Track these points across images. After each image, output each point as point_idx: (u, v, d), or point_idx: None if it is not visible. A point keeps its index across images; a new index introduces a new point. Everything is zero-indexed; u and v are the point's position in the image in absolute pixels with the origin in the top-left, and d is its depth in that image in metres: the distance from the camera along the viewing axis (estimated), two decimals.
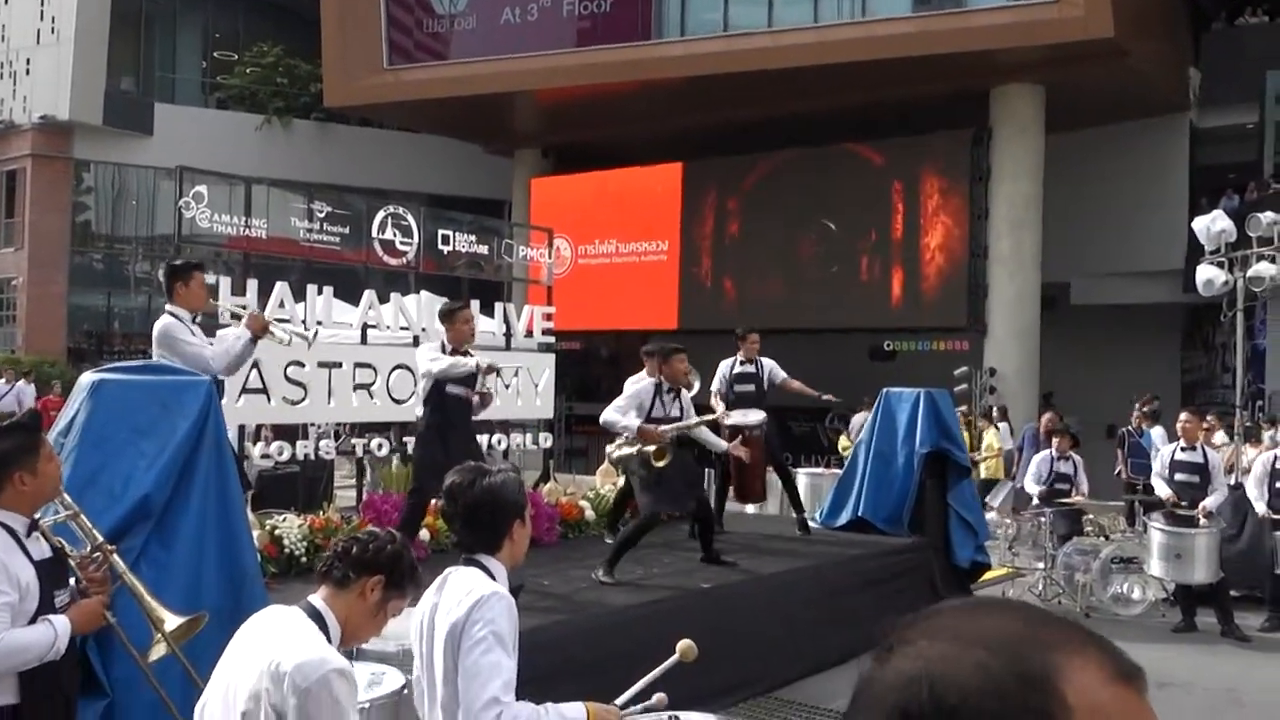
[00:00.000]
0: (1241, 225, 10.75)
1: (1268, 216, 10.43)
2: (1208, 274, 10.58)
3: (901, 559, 8.87)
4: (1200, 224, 10.79)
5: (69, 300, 31.90)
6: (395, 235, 9.58)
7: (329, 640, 2.61)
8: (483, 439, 8.72)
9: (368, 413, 8.88)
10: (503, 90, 22.62)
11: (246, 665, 2.51)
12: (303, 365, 8.16)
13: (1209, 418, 11.29)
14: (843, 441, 15.12)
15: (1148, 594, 9.22)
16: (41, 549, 3.18)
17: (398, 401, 8.79)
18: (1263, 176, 20.40)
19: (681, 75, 20.67)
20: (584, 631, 5.75)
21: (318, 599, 2.67)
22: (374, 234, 9.42)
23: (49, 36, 31.01)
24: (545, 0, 22.44)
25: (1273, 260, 10.31)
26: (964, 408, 15.81)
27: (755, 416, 8.56)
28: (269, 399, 8.00)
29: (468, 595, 2.59)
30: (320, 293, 8.57)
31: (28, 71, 31.38)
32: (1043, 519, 9.95)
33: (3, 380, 17.60)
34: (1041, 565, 9.91)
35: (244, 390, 7.77)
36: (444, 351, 6.78)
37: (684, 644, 2.85)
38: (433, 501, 8.08)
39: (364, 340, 8.91)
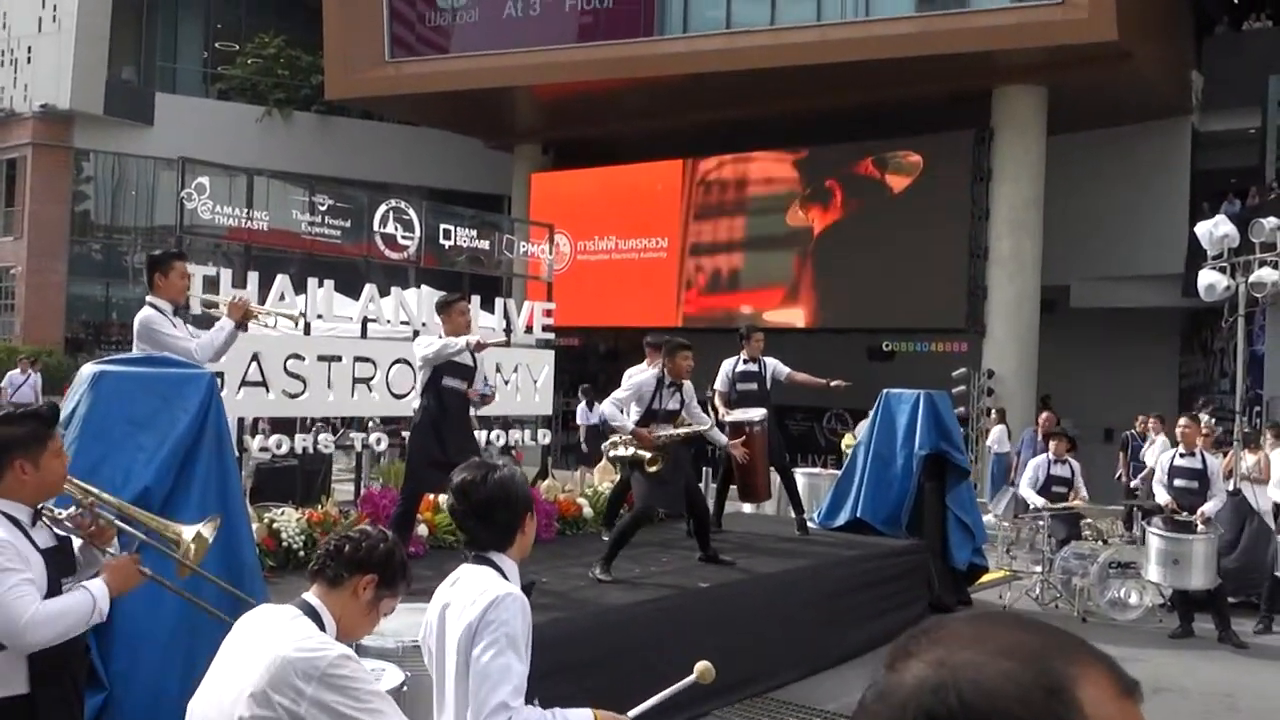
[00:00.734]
0: (1243, 230, 10.75)
1: (1270, 222, 10.42)
2: (1210, 279, 10.57)
3: (899, 560, 8.87)
4: (1203, 229, 10.78)
5: (68, 290, 31.85)
6: (397, 229, 9.56)
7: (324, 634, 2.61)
8: (481, 435, 8.71)
9: (367, 407, 8.86)
10: (504, 85, 22.60)
11: (245, 665, 2.50)
12: (302, 359, 8.14)
13: (1203, 418, 11.27)
14: (847, 440, 15.02)
15: (1145, 599, 9.22)
16: (46, 538, 3.16)
17: (397, 396, 8.77)
18: (1265, 182, 20.39)
19: (683, 72, 20.65)
20: (582, 630, 5.74)
21: (312, 597, 2.68)
22: (376, 228, 9.41)
23: (50, 25, 30.94)
24: None
25: (1275, 266, 10.30)
26: (961, 409, 15.78)
27: (757, 413, 8.55)
28: (268, 392, 7.98)
29: (481, 595, 2.57)
30: (321, 285, 8.55)
31: (29, 60, 31.31)
32: (1040, 523, 9.94)
33: (19, 371, 17.58)
34: (1039, 569, 9.91)
35: (244, 383, 7.76)
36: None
37: (702, 665, 2.83)
38: (430, 496, 8.08)
39: (364, 334, 8.89)
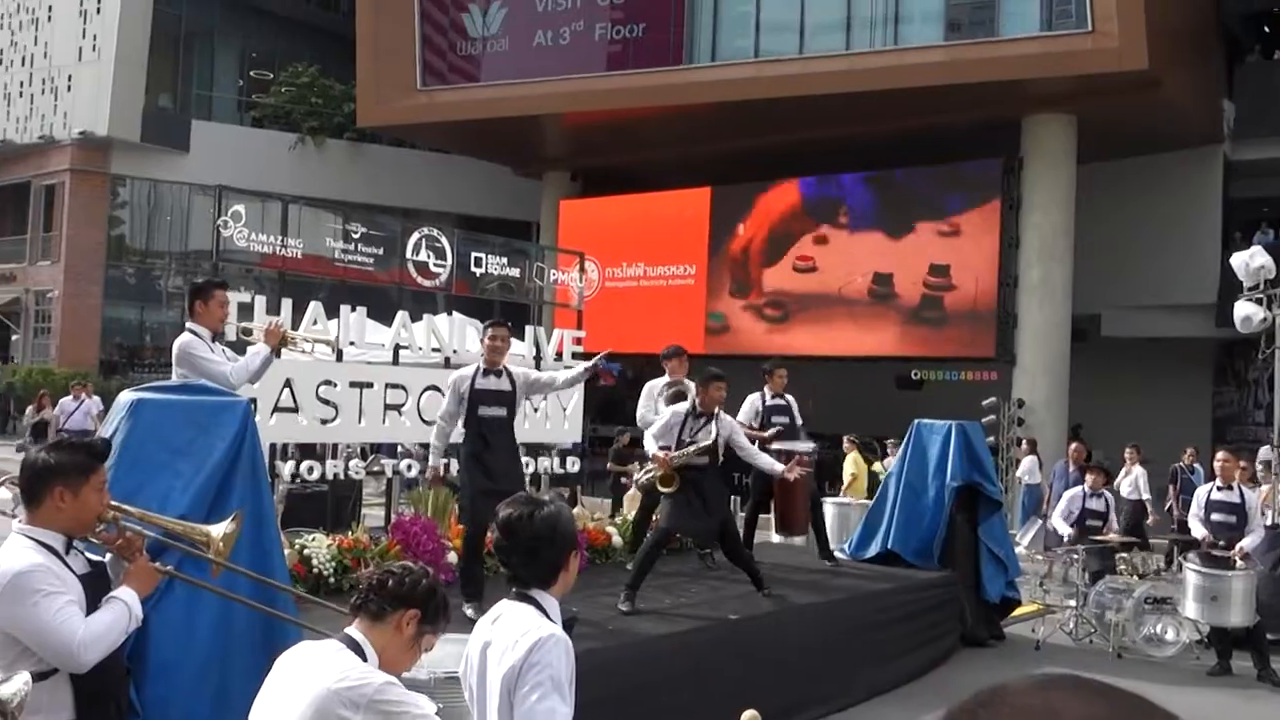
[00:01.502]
0: (1278, 260, 10.64)
1: None
2: (1246, 310, 10.46)
3: (931, 593, 8.77)
4: (1239, 260, 10.67)
5: (103, 313, 32.24)
6: (429, 257, 9.62)
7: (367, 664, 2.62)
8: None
9: (398, 433, 8.88)
10: (533, 113, 22.77)
11: (291, 701, 2.50)
12: (335, 385, 8.18)
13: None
14: (848, 465, 14.48)
15: (1182, 636, 9.07)
16: (81, 564, 3.19)
17: (428, 422, 8.78)
18: None
19: (712, 100, 20.74)
20: (613, 662, 5.71)
21: (355, 631, 2.68)
22: (408, 255, 9.46)
23: (90, 54, 31.48)
24: (578, 24, 22.60)
25: None
26: (991, 439, 15.62)
27: (806, 445, 8.55)
28: (301, 417, 8.01)
29: (524, 635, 2.56)
30: (354, 311, 8.60)
31: (69, 88, 31.85)
32: (1074, 556, 9.82)
33: (71, 397, 17.42)
34: (1073, 603, 9.77)
35: (276, 409, 7.79)
36: (479, 370, 6.72)
37: (749, 715, 2.80)
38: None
39: (395, 361, 8.92)
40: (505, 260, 10.64)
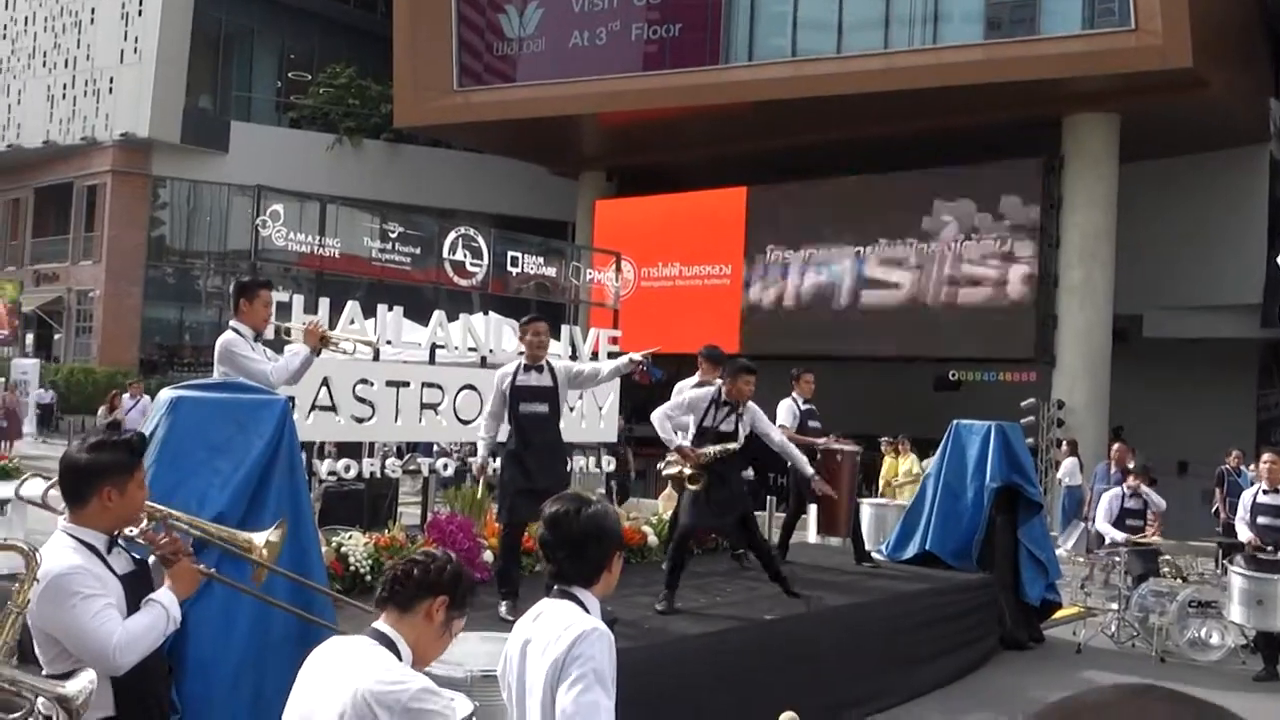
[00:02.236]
0: None
1: None
2: None
3: (970, 595, 8.67)
4: None
5: (143, 313, 32.65)
6: (466, 256, 9.64)
7: (402, 663, 2.60)
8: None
9: (434, 433, 8.91)
10: (569, 113, 22.81)
11: (325, 701, 2.48)
12: (371, 384, 8.22)
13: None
14: (887, 467, 14.68)
15: (1227, 640, 8.91)
16: (123, 563, 3.20)
17: (464, 422, 8.80)
18: None
19: (748, 100, 20.68)
20: (649, 662, 5.68)
21: (384, 625, 2.66)
22: (445, 254, 9.49)
23: (131, 56, 31.90)
24: (614, 24, 22.60)
25: None
26: (1030, 440, 15.46)
27: (852, 444, 8.50)
28: (338, 416, 8.05)
29: (566, 630, 2.54)
30: (391, 310, 8.63)
31: (110, 90, 32.29)
32: (1116, 558, 9.68)
33: (129, 395, 17.58)
34: (1115, 606, 9.63)
35: (314, 407, 7.84)
36: (521, 366, 6.67)
37: (787, 716, 2.77)
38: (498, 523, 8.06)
39: (432, 360, 8.95)
40: (541, 260, 10.65)
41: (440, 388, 8.71)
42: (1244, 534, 8.89)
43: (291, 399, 6.74)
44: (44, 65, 34.42)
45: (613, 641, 2.57)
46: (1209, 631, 8.93)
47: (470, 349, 9.21)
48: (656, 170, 24.96)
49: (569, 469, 9.66)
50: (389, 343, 8.59)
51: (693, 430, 7.18)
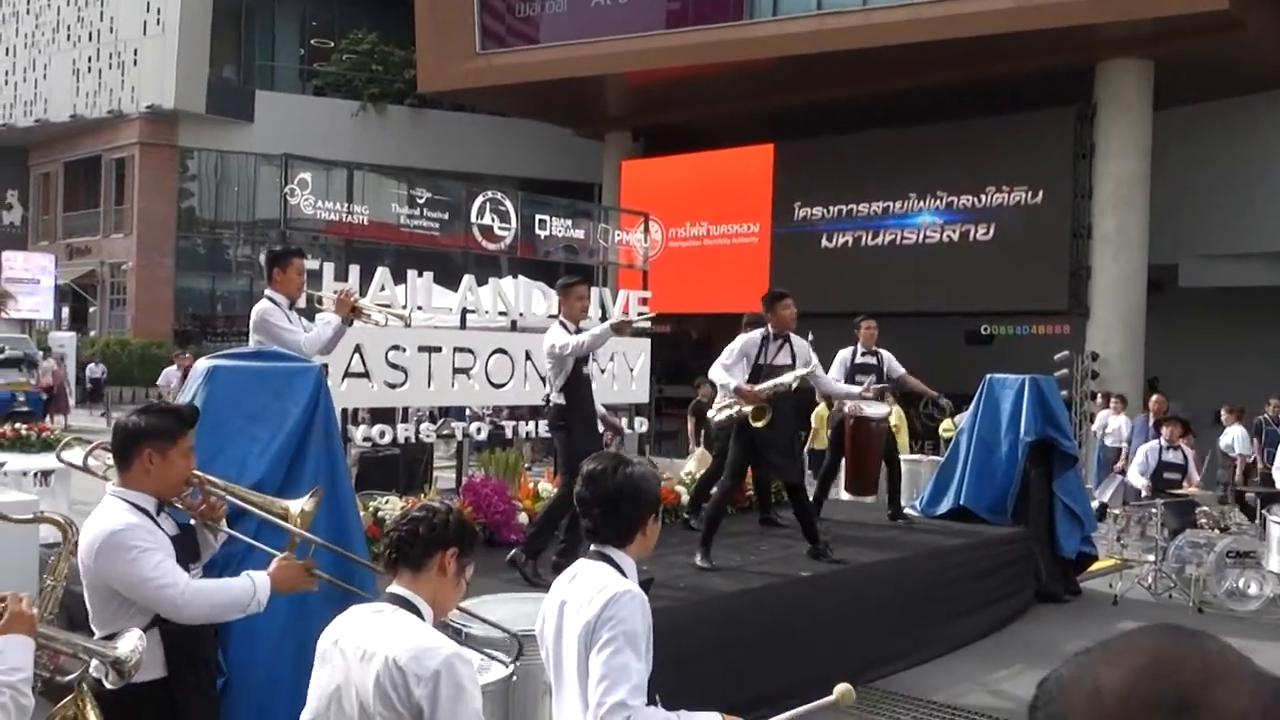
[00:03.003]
0: None
1: None
2: None
3: (1005, 549, 8.66)
4: None
5: (175, 284, 32.93)
6: (494, 220, 9.64)
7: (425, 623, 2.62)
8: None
9: (467, 397, 8.96)
10: (593, 73, 22.63)
11: (356, 673, 2.50)
12: (403, 350, 8.26)
13: None
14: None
15: (1265, 590, 8.86)
16: (171, 527, 3.27)
17: (496, 386, 8.85)
18: None
19: (773, 55, 20.42)
20: (685, 620, 5.72)
21: (400, 588, 2.65)
22: (473, 219, 9.49)
23: (155, 28, 31.94)
24: None
25: None
26: (1064, 393, 15.33)
27: (880, 409, 8.44)
28: (371, 382, 8.12)
29: (600, 592, 2.55)
30: (421, 276, 8.65)
31: (135, 62, 32.40)
32: (1153, 510, 9.62)
33: (175, 367, 17.67)
34: (1151, 558, 9.59)
35: (347, 374, 7.90)
36: (565, 328, 6.61)
37: (842, 688, 2.76)
38: (530, 484, 8.13)
39: (463, 325, 8.98)
40: (569, 222, 10.63)
41: (472, 352, 8.75)
42: None
43: (325, 366, 6.80)
44: (68, 39, 34.55)
45: (646, 603, 2.58)
46: (1247, 582, 8.88)
47: (500, 313, 9.23)
48: (682, 129, 24.77)
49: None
50: (420, 308, 8.63)
51: (744, 372, 7.05)
